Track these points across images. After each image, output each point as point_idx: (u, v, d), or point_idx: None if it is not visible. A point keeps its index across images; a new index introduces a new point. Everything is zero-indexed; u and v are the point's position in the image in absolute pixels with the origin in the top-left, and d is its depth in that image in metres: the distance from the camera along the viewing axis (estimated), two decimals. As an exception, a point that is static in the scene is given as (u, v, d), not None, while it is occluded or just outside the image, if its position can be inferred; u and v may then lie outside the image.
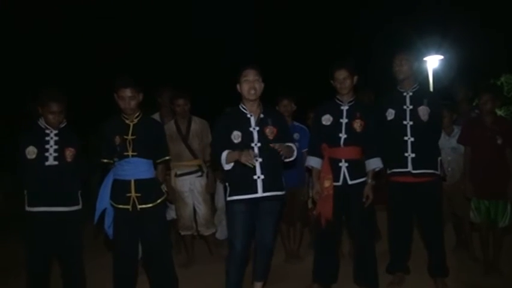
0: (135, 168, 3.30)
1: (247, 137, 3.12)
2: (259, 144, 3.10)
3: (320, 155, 3.45)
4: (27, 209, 3.35)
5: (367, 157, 3.43)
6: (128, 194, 3.27)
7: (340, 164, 3.38)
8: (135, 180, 3.29)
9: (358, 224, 3.42)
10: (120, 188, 3.32)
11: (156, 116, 4.57)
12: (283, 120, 3.32)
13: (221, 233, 4.82)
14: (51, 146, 3.36)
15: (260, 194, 3.08)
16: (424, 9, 16.91)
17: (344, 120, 3.40)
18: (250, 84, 3.14)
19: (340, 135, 3.37)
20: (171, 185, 4.30)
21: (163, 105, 4.70)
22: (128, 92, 3.25)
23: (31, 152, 3.32)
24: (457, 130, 4.01)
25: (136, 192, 3.28)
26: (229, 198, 3.16)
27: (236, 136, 3.12)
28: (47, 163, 3.33)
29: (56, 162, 3.34)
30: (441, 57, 14.07)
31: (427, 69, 13.85)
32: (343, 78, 3.37)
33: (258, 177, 3.08)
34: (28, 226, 3.37)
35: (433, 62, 13.97)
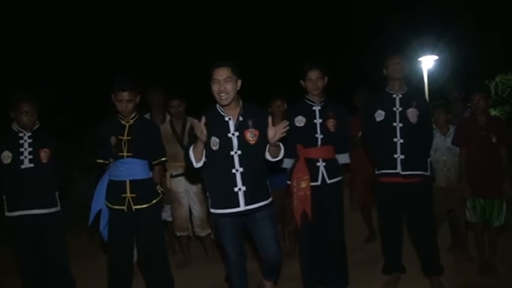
0: (130, 169, 3.29)
1: (226, 144, 2.78)
2: (239, 152, 2.77)
3: (292, 156, 3.42)
4: (7, 214, 3.36)
5: (336, 152, 3.51)
6: (123, 195, 3.27)
7: (318, 164, 3.40)
8: (130, 181, 3.28)
9: (334, 223, 3.44)
10: (115, 189, 3.31)
11: (147, 117, 4.54)
12: (267, 120, 2.79)
13: (217, 234, 4.81)
14: (25, 149, 3.36)
15: (242, 207, 2.78)
16: (419, 10, 16.98)
17: (318, 121, 3.42)
18: (220, 87, 2.74)
19: (317, 135, 3.39)
20: (167, 186, 4.29)
21: (153, 106, 4.64)
22: (125, 96, 3.25)
23: (6, 156, 3.33)
24: (452, 130, 4.01)
25: (131, 192, 3.27)
26: (212, 210, 2.90)
27: (214, 142, 2.78)
28: (22, 166, 3.32)
29: (31, 165, 3.34)
30: (436, 57, 14.13)
31: (422, 70, 13.91)
32: (316, 79, 3.39)
33: (239, 189, 2.77)
34: (10, 231, 3.37)
35: (428, 62, 14.03)
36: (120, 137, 3.28)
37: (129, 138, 3.28)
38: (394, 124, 3.42)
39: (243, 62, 2.95)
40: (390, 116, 3.44)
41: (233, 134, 2.79)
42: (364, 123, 3.67)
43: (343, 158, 3.57)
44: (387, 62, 3.47)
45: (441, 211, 4.11)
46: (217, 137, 2.78)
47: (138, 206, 3.27)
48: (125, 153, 3.26)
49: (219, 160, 2.79)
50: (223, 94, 2.75)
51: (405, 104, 3.43)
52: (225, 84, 2.74)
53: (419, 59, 14.00)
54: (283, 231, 4.50)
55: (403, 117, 3.41)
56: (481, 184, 3.68)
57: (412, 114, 3.39)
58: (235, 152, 2.78)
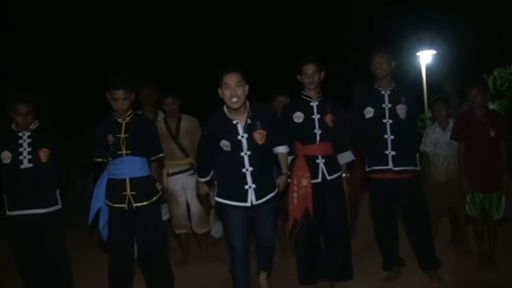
0: (130, 167, 3.28)
1: (236, 146, 2.94)
2: (249, 153, 2.94)
3: (290, 153, 3.40)
4: (8, 213, 3.37)
5: (338, 151, 3.51)
6: (123, 193, 3.26)
7: (318, 161, 3.41)
8: (130, 179, 3.27)
9: (335, 219, 3.44)
10: (115, 187, 3.30)
11: None
12: (272, 119, 3.08)
13: (217, 231, 4.80)
14: (24, 149, 3.36)
15: (253, 202, 2.99)
16: (417, 4, 16.96)
17: (316, 116, 3.42)
18: (232, 91, 2.86)
19: (315, 131, 3.39)
20: (164, 185, 4.27)
21: (145, 104, 4.57)
22: (120, 94, 3.22)
23: (6, 156, 3.34)
24: (451, 124, 4.00)
25: (131, 190, 3.26)
26: (218, 199, 3.07)
27: (225, 145, 2.96)
28: (22, 166, 3.33)
29: (30, 165, 3.35)
30: (434, 52, 14.12)
31: (420, 64, 13.90)
32: (311, 73, 3.39)
33: (250, 186, 2.96)
34: (11, 230, 3.38)
35: (426, 57, 14.02)
36: (118, 135, 3.26)
37: (126, 136, 3.26)
38: (384, 121, 3.42)
39: (243, 58, 2.96)
40: (379, 113, 3.45)
41: (242, 136, 2.94)
42: (354, 120, 3.65)
43: (346, 156, 3.55)
44: (371, 60, 3.47)
45: (441, 205, 4.11)
46: (227, 140, 2.94)
47: (139, 204, 3.27)
48: (124, 151, 3.25)
49: (230, 160, 2.97)
50: (235, 98, 2.86)
51: (394, 100, 3.43)
52: (236, 88, 2.86)
53: (417, 54, 14.01)
54: (283, 226, 4.47)
55: (393, 114, 3.42)
56: (480, 178, 3.68)
57: (401, 110, 3.41)
58: (245, 153, 2.94)
